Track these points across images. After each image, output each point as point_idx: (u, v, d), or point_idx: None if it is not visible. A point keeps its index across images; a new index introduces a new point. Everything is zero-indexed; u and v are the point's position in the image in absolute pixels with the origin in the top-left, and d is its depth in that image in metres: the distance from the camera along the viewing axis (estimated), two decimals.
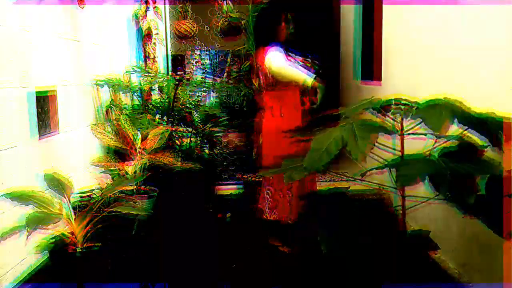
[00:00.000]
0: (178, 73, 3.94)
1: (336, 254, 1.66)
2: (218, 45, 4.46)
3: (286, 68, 2.62)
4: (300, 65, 2.69)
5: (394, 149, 1.73)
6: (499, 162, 1.44)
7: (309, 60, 2.77)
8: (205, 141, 3.84)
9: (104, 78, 3.25)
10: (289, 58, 2.67)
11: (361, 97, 4.33)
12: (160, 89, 3.91)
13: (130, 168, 2.68)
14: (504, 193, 1.41)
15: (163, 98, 3.79)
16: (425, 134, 1.62)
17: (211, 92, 4.32)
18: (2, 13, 2.10)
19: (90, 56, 3.12)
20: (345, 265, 1.70)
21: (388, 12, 3.53)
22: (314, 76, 2.62)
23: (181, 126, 3.71)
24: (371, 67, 4.26)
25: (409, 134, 1.70)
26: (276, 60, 2.62)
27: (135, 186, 3.00)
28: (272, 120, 2.72)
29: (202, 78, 4.36)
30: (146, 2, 3.94)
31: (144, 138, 3.05)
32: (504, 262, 1.78)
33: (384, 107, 1.73)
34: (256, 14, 4.06)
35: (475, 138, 1.58)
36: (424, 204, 1.76)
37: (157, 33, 4.08)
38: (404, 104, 1.73)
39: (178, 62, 4.46)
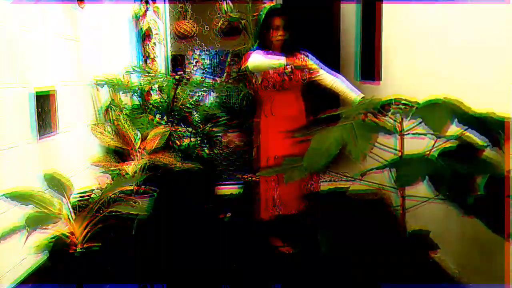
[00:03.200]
0: (178, 73, 3.93)
1: (336, 254, 1.66)
2: (218, 45, 4.45)
3: (258, 59, 2.64)
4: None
5: (394, 149, 1.73)
6: (499, 162, 1.44)
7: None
8: (205, 141, 3.83)
9: (104, 78, 3.24)
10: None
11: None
12: (160, 89, 3.91)
13: (130, 168, 2.68)
14: (505, 193, 1.42)
15: (163, 98, 3.79)
16: (425, 134, 1.62)
17: (211, 92, 4.32)
18: (2, 13, 2.10)
19: (90, 56, 3.12)
20: (345, 265, 1.70)
21: (388, 12, 3.53)
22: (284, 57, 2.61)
23: (181, 126, 3.71)
24: (371, 67, 4.25)
25: (409, 134, 1.70)
26: (251, 58, 2.66)
27: (135, 186, 3.00)
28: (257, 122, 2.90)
29: (202, 78, 4.35)
30: (146, 2, 3.94)
31: (144, 138, 3.05)
32: (505, 263, 1.78)
33: (384, 107, 1.73)
34: (255, 14, 4.08)
35: (475, 138, 1.58)
36: (424, 204, 1.76)
37: (157, 33, 4.08)
38: (404, 104, 1.74)
39: (178, 62, 4.45)
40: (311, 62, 2.81)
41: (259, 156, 2.90)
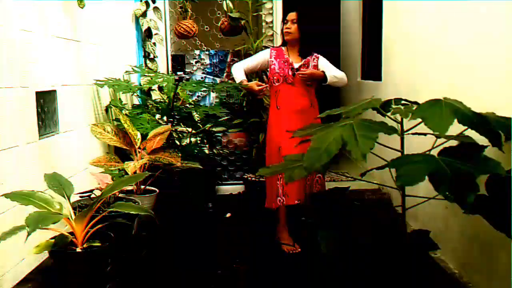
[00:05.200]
0: (178, 73, 3.92)
1: (336, 254, 1.66)
2: (218, 45, 4.46)
3: (234, 71, 3.11)
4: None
5: (394, 149, 1.73)
6: (499, 162, 1.44)
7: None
8: (205, 140, 3.83)
9: (104, 78, 3.24)
10: (280, 55, 2.97)
11: (361, 97, 4.33)
12: (160, 89, 3.91)
13: (130, 168, 2.68)
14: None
15: (163, 98, 3.79)
16: (425, 134, 1.62)
17: (211, 92, 4.32)
18: (2, 13, 2.10)
19: (90, 56, 3.12)
20: (345, 265, 1.70)
21: (389, 11, 3.53)
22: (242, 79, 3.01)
23: (181, 126, 3.71)
24: (372, 67, 4.26)
25: (409, 133, 1.70)
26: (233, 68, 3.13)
27: (135, 186, 3.00)
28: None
29: (202, 78, 4.35)
30: (146, 2, 3.94)
31: (144, 138, 3.04)
32: None
33: (384, 107, 1.73)
34: (256, 13, 4.09)
35: (475, 137, 1.58)
36: (424, 203, 1.76)
37: (157, 33, 4.08)
38: (404, 104, 1.74)
39: (178, 62, 4.45)
40: (324, 64, 3.00)
41: (265, 152, 3.09)
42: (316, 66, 2.95)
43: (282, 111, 2.94)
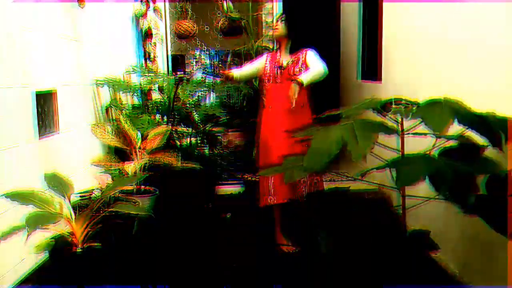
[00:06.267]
0: (178, 73, 3.93)
1: (336, 254, 1.66)
2: (218, 45, 4.46)
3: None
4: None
5: (394, 149, 1.73)
6: (500, 162, 1.44)
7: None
8: (205, 141, 3.83)
9: (104, 78, 3.24)
10: (273, 57, 2.99)
11: (361, 97, 4.33)
12: (160, 89, 3.91)
13: (130, 168, 2.68)
14: (509, 192, 1.42)
15: (163, 98, 3.79)
16: (425, 134, 1.62)
17: (211, 92, 4.32)
18: (2, 13, 2.10)
19: (90, 56, 3.12)
20: (345, 265, 1.70)
21: (388, 12, 3.53)
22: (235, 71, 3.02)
23: (181, 126, 3.71)
24: (371, 67, 4.25)
25: (409, 134, 1.70)
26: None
27: (135, 186, 3.00)
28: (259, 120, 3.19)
29: (202, 78, 4.35)
30: (146, 2, 3.94)
31: (144, 138, 3.04)
32: (508, 262, 1.78)
33: (384, 107, 1.73)
34: (256, 14, 4.10)
35: (475, 137, 1.58)
36: (424, 203, 1.76)
37: (157, 33, 4.08)
38: (404, 104, 1.73)
39: (178, 62, 4.45)
40: (309, 58, 2.91)
41: (258, 151, 3.11)
42: (305, 61, 2.95)
43: (272, 111, 2.96)
